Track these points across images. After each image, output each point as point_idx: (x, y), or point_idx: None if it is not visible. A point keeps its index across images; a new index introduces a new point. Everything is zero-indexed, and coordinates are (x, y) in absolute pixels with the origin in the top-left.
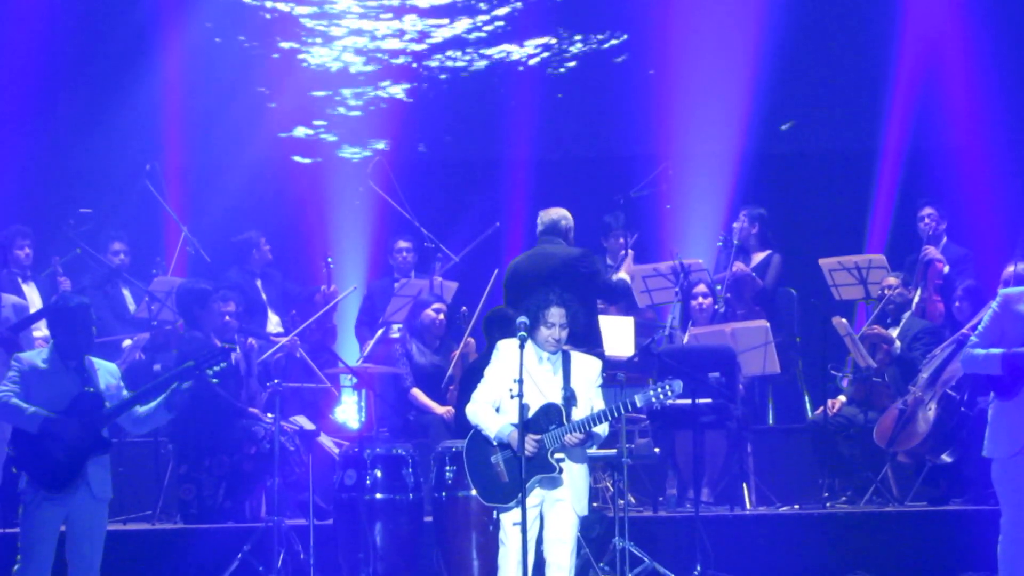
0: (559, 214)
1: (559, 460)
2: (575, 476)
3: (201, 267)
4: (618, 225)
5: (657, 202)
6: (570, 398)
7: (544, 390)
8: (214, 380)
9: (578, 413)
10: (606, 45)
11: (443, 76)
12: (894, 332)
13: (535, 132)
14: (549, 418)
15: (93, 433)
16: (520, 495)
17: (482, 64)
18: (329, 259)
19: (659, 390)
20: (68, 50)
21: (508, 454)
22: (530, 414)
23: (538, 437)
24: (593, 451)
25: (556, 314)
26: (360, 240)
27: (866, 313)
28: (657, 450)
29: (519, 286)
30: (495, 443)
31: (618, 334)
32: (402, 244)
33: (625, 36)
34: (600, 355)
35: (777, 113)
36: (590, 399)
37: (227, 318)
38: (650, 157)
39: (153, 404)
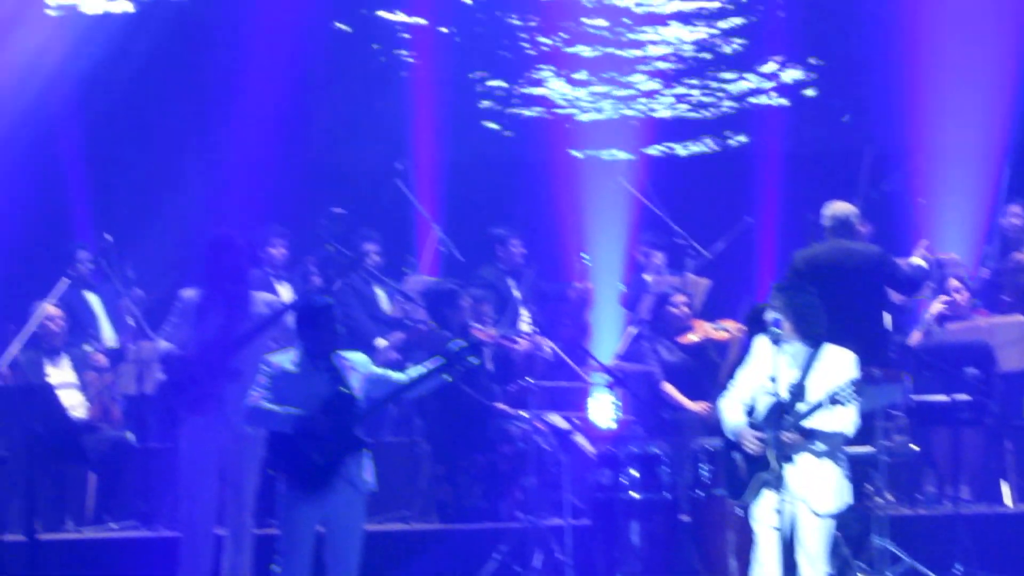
0: (849, 210)
1: (782, 459)
2: (813, 474)
3: (454, 265)
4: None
5: (908, 196)
6: (798, 394)
7: (781, 386)
8: (462, 379)
9: (805, 407)
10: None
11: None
12: None
13: (783, 127)
14: (777, 416)
15: (348, 433)
16: (750, 494)
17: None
18: (584, 255)
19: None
20: (324, 57)
21: (743, 452)
22: (764, 412)
23: (761, 435)
24: (852, 450)
25: (776, 300)
26: (614, 237)
27: None
28: (915, 447)
29: (815, 278)
30: (733, 438)
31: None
32: (651, 241)
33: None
34: (872, 353)
35: None
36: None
37: (473, 317)
38: (901, 151)
39: (405, 396)
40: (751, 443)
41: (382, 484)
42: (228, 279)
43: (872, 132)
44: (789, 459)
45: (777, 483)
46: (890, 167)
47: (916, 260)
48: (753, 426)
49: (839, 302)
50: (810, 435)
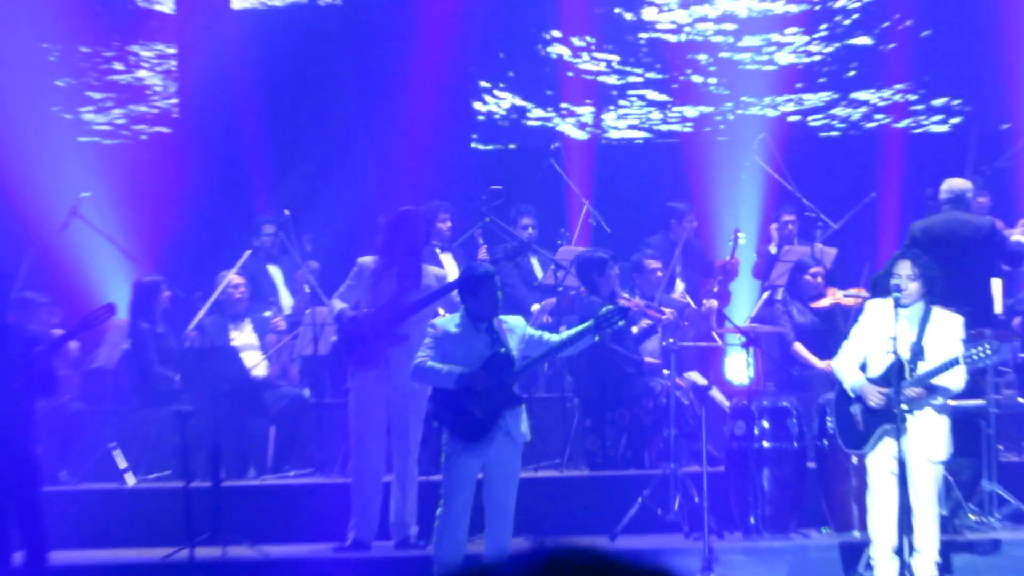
0: (965, 185)
1: (905, 411)
2: (927, 425)
3: (602, 237)
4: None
5: (1021, 172)
6: (918, 353)
7: (901, 346)
8: (610, 340)
9: (926, 368)
10: None
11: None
12: None
13: (904, 107)
14: (898, 373)
15: (506, 389)
16: (872, 440)
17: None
18: (739, 232)
19: (978, 351)
20: (482, 47)
21: (863, 405)
22: (882, 370)
23: (884, 390)
24: (964, 403)
25: (903, 266)
26: (751, 211)
27: None
28: (1021, 400)
29: (931, 246)
30: (852, 395)
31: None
32: (786, 217)
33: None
34: (980, 316)
35: None
36: (947, 354)
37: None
38: (1017, 130)
39: (557, 355)
40: (875, 397)
41: (536, 435)
42: (405, 252)
43: (982, 111)
44: (911, 412)
45: (898, 433)
46: (1002, 146)
47: (1017, 237)
48: (872, 382)
49: (952, 269)
50: (932, 390)
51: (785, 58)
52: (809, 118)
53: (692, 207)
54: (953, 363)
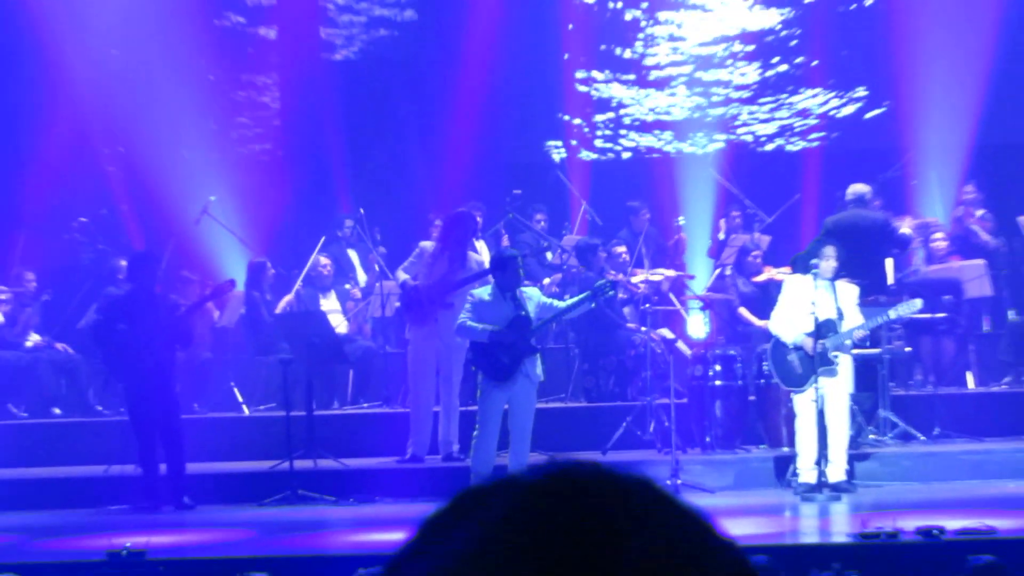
0: (864, 189)
1: (835, 357)
2: (845, 366)
3: (595, 228)
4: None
5: (906, 180)
6: (840, 313)
7: (821, 310)
8: (603, 304)
9: (845, 325)
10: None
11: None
12: None
13: (825, 130)
14: (828, 328)
15: (525, 342)
16: (810, 381)
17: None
18: (680, 218)
19: (903, 307)
20: (510, 81)
21: (801, 354)
22: (809, 328)
23: (823, 341)
24: (866, 351)
25: (830, 250)
26: (708, 209)
27: None
28: (908, 349)
29: (841, 235)
30: (791, 346)
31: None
32: (733, 213)
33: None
34: (876, 287)
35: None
36: (854, 314)
37: (608, 267)
38: (904, 145)
39: (564, 317)
40: (813, 347)
41: (548, 376)
42: (456, 242)
43: (879, 132)
44: (836, 358)
45: (831, 374)
46: (894, 160)
47: (904, 229)
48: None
49: (856, 252)
50: (850, 341)
51: (733, 94)
52: (758, 132)
53: (645, 203)
54: (885, 316)
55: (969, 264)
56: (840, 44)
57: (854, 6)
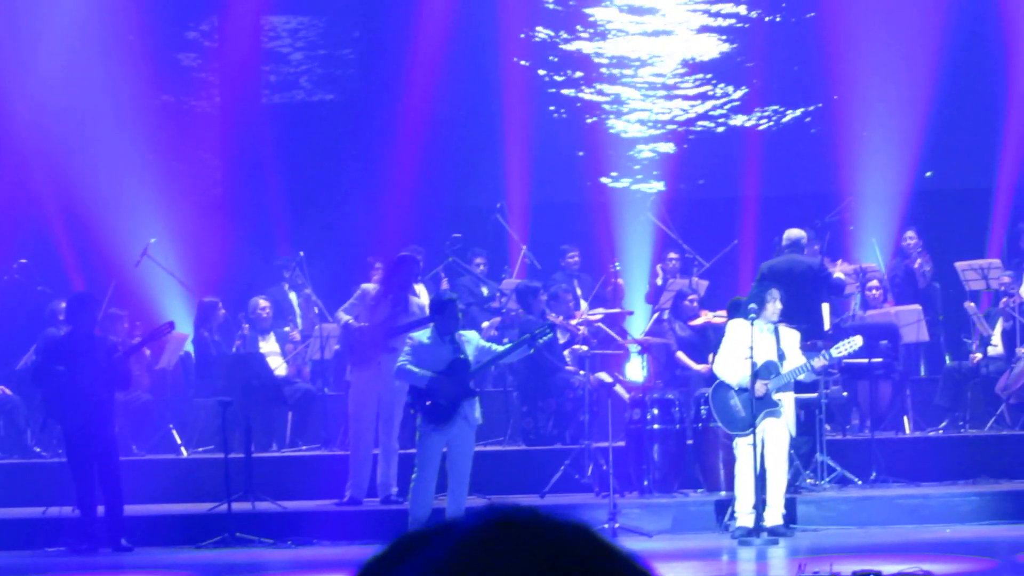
0: (800, 234)
1: (778, 400)
2: (787, 409)
3: (534, 272)
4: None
5: (843, 224)
6: (782, 356)
7: (763, 353)
8: (541, 348)
9: (787, 366)
10: (800, 111)
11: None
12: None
13: (762, 175)
14: (770, 371)
15: (464, 385)
16: (753, 424)
17: (721, 129)
18: (616, 264)
19: (844, 345)
20: (446, 130)
21: (744, 397)
22: (749, 372)
23: (767, 383)
24: (804, 395)
25: (774, 294)
26: (642, 254)
27: (988, 299)
28: (845, 394)
29: (776, 280)
30: (736, 389)
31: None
32: (671, 256)
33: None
34: (813, 332)
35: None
36: (796, 357)
37: (548, 310)
38: (839, 193)
39: (502, 360)
40: (760, 388)
41: (486, 419)
42: (399, 286)
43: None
44: (780, 400)
45: (774, 415)
46: (832, 205)
47: (838, 274)
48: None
49: (791, 296)
50: (789, 384)
51: (668, 145)
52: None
53: (575, 247)
54: (828, 356)
55: (906, 309)
56: (777, 81)
57: (796, 43)
